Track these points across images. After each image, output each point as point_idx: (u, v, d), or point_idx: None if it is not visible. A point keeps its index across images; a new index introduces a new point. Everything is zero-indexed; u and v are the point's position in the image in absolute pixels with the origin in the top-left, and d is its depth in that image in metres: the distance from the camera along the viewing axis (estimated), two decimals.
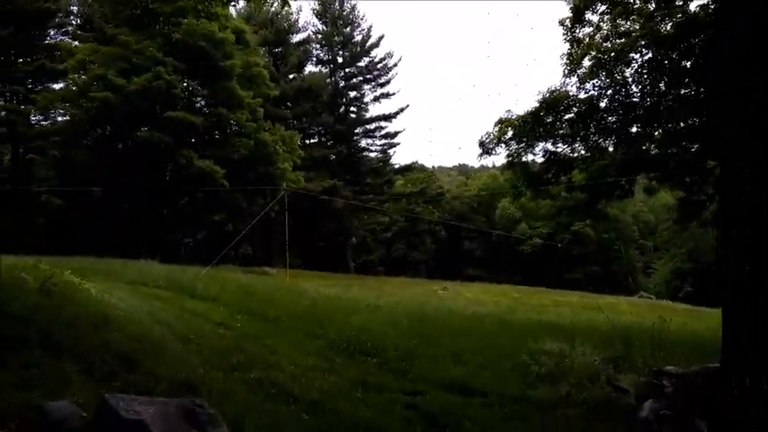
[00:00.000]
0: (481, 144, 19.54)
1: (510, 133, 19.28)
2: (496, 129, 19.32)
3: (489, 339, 12.49)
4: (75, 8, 48.80)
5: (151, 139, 31.87)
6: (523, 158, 20.09)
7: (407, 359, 9.75)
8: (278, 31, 56.55)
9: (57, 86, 41.87)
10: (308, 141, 57.75)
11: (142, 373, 6.14)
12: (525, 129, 19.07)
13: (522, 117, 19.05)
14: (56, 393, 5.16)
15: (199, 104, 37.71)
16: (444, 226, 70.56)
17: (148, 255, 31.30)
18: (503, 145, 19.69)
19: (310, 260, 55.73)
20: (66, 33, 47.53)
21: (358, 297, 19.36)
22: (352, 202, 47.71)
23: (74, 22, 48.60)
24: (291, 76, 56.87)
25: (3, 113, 44.11)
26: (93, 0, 43.17)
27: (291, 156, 38.25)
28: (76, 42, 39.36)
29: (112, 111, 33.04)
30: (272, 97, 42.42)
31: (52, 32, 47.26)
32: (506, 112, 19.41)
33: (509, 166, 20.07)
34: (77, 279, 13.38)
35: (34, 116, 44.27)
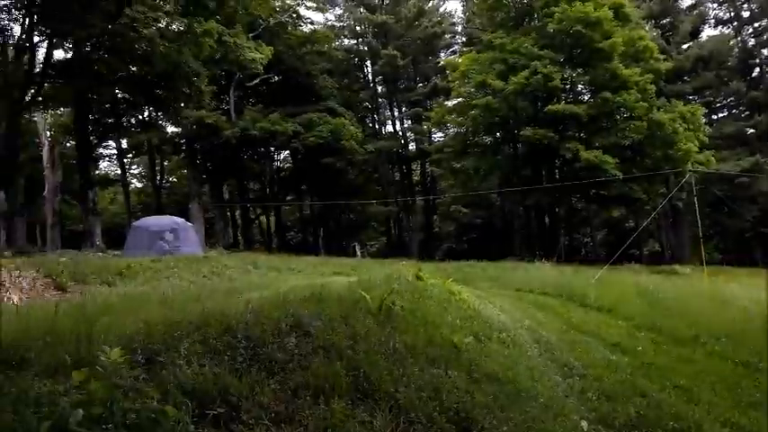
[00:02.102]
0: None
1: None
2: None
3: None
4: (459, 27, 52.38)
5: (534, 137, 30.82)
6: None
7: None
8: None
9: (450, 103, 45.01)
10: (715, 116, 49.38)
11: None
12: None
13: None
14: None
15: (580, 93, 35.39)
16: None
17: (544, 257, 30.35)
18: None
19: (733, 254, 47.45)
20: (453, 53, 51.21)
21: None
22: None
23: (459, 41, 52.17)
24: (686, 46, 49.35)
25: (410, 135, 49.87)
26: (472, 13, 45.30)
27: (696, 134, 32.45)
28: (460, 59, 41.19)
29: (495, 115, 33.33)
30: (665, 72, 37.04)
31: (442, 54, 51.72)
32: None
33: None
34: (458, 288, 12.67)
35: (434, 133, 48.75)
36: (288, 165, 49.81)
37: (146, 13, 18.55)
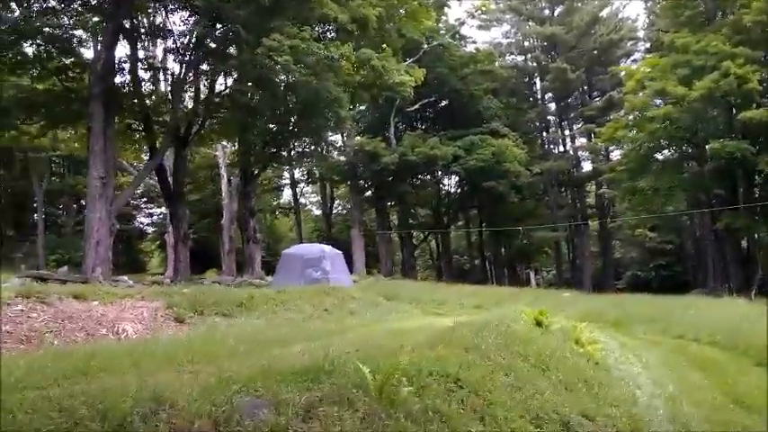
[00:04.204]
0: None
1: None
2: None
3: None
4: (640, 33, 47.56)
5: (723, 150, 26.22)
6: None
7: None
8: None
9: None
10: None
11: None
12: None
13: None
14: None
15: None
16: None
17: (738, 290, 25.68)
18: None
19: None
20: (634, 62, 46.54)
21: None
22: None
23: (642, 48, 47.36)
24: None
25: (584, 154, 46.22)
26: (655, 15, 40.88)
27: None
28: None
29: (677, 127, 29.20)
30: None
31: (622, 64, 47.22)
32: None
33: None
34: (590, 336, 10.36)
35: (611, 150, 44.45)
36: (455, 189, 48.61)
37: (281, 41, 18.74)
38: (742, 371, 9.64)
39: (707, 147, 27.31)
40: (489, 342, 7.75)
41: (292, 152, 33.28)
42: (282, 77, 20.89)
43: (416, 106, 39.04)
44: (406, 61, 32.53)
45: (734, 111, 28.55)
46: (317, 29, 23.25)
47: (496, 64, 44.82)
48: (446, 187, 48.09)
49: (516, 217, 42.88)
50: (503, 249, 47.32)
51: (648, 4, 44.22)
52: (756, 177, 28.39)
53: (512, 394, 6.01)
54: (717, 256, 32.11)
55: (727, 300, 20.49)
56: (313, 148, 31.17)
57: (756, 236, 28.76)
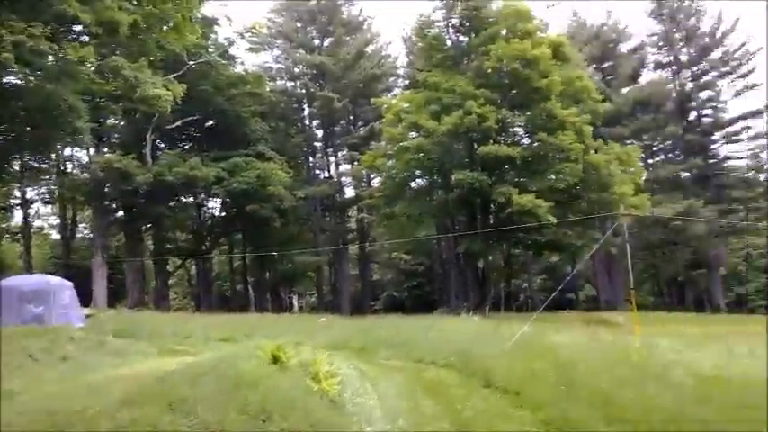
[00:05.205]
0: None
1: None
2: None
3: None
4: (400, 71, 51.08)
5: (466, 180, 29.06)
6: None
7: None
8: (604, 43, 50.20)
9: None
10: (651, 161, 49.50)
11: None
12: None
13: None
14: None
15: (517, 135, 34.24)
16: None
17: (475, 308, 28.37)
18: None
19: (668, 298, 48.65)
20: (394, 96, 49.69)
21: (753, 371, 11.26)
22: (715, 222, 38.40)
23: (401, 84, 50.79)
24: (625, 90, 49.34)
25: (347, 180, 47.83)
26: (413, 55, 44.26)
27: (632, 177, 31.44)
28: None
29: (428, 157, 31.67)
30: (604, 115, 36.43)
31: (383, 97, 50.15)
32: None
33: None
34: (331, 369, 9.93)
35: (372, 178, 46.59)
36: (218, 213, 46.68)
37: (3, 36, 15.89)
38: (470, 393, 9.75)
39: (452, 177, 29.93)
40: (205, 391, 6.85)
41: (24, 168, 28.78)
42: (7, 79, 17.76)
43: (178, 123, 36.91)
44: (168, 76, 30.41)
45: (474, 145, 31.78)
46: (60, 29, 20.41)
47: (267, 88, 44.43)
48: (209, 210, 46.17)
49: (281, 241, 42.43)
50: (267, 274, 46.53)
51: (407, 45, 47.87)
52: (492, 206, 31.79)
53: None
54: (459, 276, 35.42)
55: (464, 317, 22.02)
56: (47, 163, 27.17)
57: (490, 258, 32.23)
